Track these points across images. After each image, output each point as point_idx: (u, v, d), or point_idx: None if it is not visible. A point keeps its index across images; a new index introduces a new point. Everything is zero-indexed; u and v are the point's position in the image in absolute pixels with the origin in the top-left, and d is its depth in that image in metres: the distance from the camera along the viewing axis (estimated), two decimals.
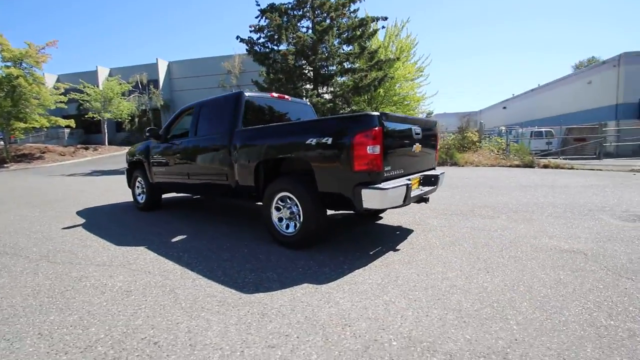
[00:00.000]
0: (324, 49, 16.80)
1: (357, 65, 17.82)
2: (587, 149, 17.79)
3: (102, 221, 4.91)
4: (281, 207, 3.46)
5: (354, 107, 18.40)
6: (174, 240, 3.86)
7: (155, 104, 29.55)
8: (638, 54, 18.81)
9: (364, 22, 16.72)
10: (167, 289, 2.52)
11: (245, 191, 3.89)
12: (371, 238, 3.75)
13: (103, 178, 12.06)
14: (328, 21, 16.76)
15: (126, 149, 25.88)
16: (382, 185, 2.79)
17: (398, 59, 18.43)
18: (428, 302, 2.20)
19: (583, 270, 2.68)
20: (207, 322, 2.03)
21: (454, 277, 2.60)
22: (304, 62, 17.18)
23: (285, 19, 17.22)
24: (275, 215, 3.50)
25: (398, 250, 3.29)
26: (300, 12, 17.81)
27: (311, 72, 17.47)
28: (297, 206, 3.26)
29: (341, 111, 17.39)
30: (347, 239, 3.67)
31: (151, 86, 29.45)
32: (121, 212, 5.51)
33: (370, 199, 2.75)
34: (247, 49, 18.00)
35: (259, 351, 1.74)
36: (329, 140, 2.91)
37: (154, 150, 5.26)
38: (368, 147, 2.73)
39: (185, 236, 3.98)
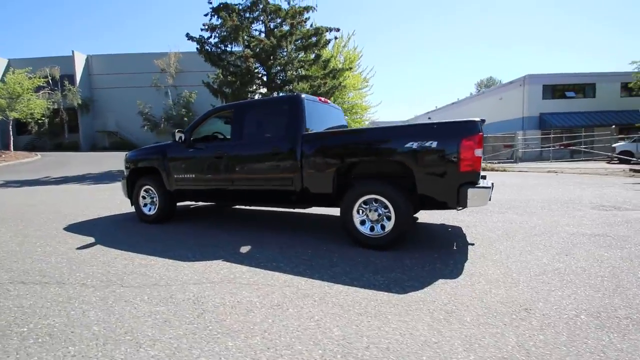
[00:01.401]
0: (283, 55, 16.77)
1: (312, 72, 18.11)
2: (502, 154, 21.18)
3: (118, 236, 4.20)
4: (363, 210, 3.51)
5: None
6: (242, 251, 3.57)
7: (72, 103, 25.60)
8: (538, 75, 23.34)
9: (318, 32, 17.16)
10: (316, 297, 2.40)
11: (313, 196, 3.81)
12: (433, 235, 4.03)
13: (37, 189, 10.01)
14: (286, 27, 16.82)
15: (36, 155, 21.68)
16: (483, 184, 3.09)
17: (350, 68, 19.39)
18: (546, 275, 2.55)
19: (624, 247, 3.36)
20: (406, 323, 2.04)
21: (543, 259, 3.02)
22: (259, 66, 16.90)
23: (237, 20, 16.67)
24: (357, 218, 3.53)
25: (473, 244, 3.63)
26: (254, 15, 17.51)
27: (265, 77, 17.26)
28: (388, 208, 3.36)
29: None
30: (410, 240, 3.88)
31: (66, 82, 25.44)
32: (126, 226, 4.76)
33: (474, 197, 3.02)
34: (197, 48, 16.96)
35: (488, 342, 1.84)
36: (434, 144, 3.10)
37: (176, 154, 4.71)
38: (475, 150, 3.00)
39: (249, 246, 3.70)
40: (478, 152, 3.03)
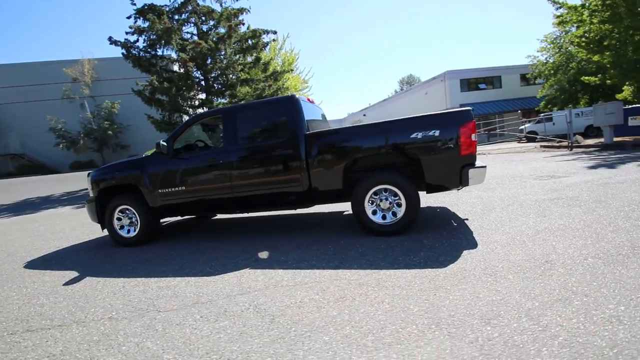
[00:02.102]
0: (222, 58, 16.19)
1: (252, 76, 17.75)
2: None
3: (104, 265, 3.73)
4: (374, 201, 3.71)
5: None
6: (262, 257, 3.48)
7: None
8: (456, 71, 26.37)
9: (256, 34, 16.94)
10: (371, 284, 2.51)
11: (321, 194, 3.89)
12: (427, 217, 4.41)
13: None
14: (222, 30, 16.29)
15: None
16: (480, 164, 3.52)
17: (292, 70, 19.53)
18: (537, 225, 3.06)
19: (580, 205, 4.12)
20: (466, 289, 2.27)
21: (528, 222, 3.57)
22: (196, 70, 16.05)
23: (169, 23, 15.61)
24: (369, 209, 3.71)
25: (467, 219, 4.09)
26: (183, 17, 16.58)
27: (203, 82, 16.47)
28: (397, 196, 3.61)
29: None
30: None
31: None
32: (104, 253, 4.21)
33: (474, 176, 3.44)
34: (123, 53, 15.48)
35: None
36: (436, 133, 3.44)
37: (160, 167, 4.33)
38: (472, 135, 3.41)
39: (266, 252, 3.62)
40: (473, 136, 3.44)
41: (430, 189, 3.68)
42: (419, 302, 2.18)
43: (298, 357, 1.75)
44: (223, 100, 16.35)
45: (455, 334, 1.81)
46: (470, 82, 27.15)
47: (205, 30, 16.97)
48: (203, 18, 16.90)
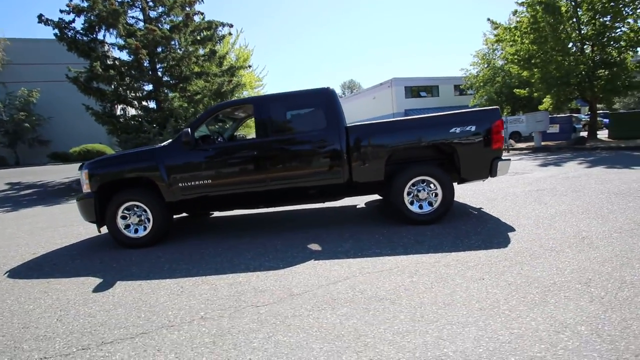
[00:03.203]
0: (176, 48, 15.05)
1: (206, 69, 16.79)
2: None
3: (130, 267, 3.26)
4: (411, 192, 3.91)
5: None
6: (315, 248, 3.41)
7: None
8: (401, 79, 28.36)
9: (212, 25, 16.13)
10: (455, 265, 2.67)
11: (360, 186, 3.95)
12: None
13: None
14: (176, 18, 15.17)
15: None
16: (506, 157, 3.95)
17: (250, 66, 18.95)
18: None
19: (564, 194, 4.86)
20: (537, 265, 2.57)
21: (536, 210, 4.12)
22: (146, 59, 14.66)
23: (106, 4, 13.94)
24: (407, 199, 3.90)
25: (481, 208, 4.53)
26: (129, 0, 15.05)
27: (150, 72, 15.09)
28: (435, 187, 3.86)
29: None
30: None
31: None
32: (111, 255, 3.66)
33: (502, 168, 3.86)
34: (56, 34, 13.47)
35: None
36: (473, 128, 3.77)
37: (181, 159, 3.92)
38: (501, 131, 3.82)
39: (316, 244, 3.55)
40: (502, 132, 3.85)
41: (462, 180, 4.00)
42: (515, 276, 2.41)
43: (456, 332, 1.82)
44: (169, 94, 15.11)
45: (571, 296, 2.06)
46: (413, 90, 29.53)
47: (153, 16, 15.62)
48: (151, 3, 15.51)
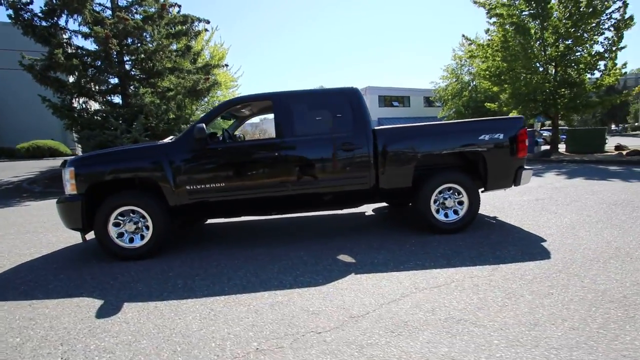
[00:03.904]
0: (149, 40, 14.06)
1: (179, 65, 15.86)
2: None
3: (139, 289, 2.74)
4: (436, 200, 3.77)
5: (188, 112, 16.60)
6: (349, 260, 3.12)
7: None
8: (375, 88, 28.94)
9: (188, 20, 15.35)
10: (504, 277, 2.53)
11: (385, 192, 3.74)
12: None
13: None
14: (152, 9, 14.22)
15: None
16: (529, 166, 3.95)
17: (226, 65, 18.21)
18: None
19: (569, 204, 5.01)
20: (594, 269, 2.51)
21: (552, 218, 4.18)
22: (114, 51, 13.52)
23: None
24: (434, 207, 3.75)
25: (496, 216, 4.51)
26: None
27: (118, 64, 13.94)
28: (460, 194, 3.75)
29: (171, 115, 15.11)
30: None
31: None
32: (108, 271, 3.09)
33: (526, 177, 3.84)
34: (10, 16, 12.04)
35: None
36: (501, 136, 3.71)
37: (190, 158, 3.44)
38: (526, 140, 3.80)
39: (349, 257, 3.26)
40: (526, 141, 3.85)
41: (487, 189, 3.93)
42: (581, 290, 2.31)
43: (568, 358, 1.64)
44: (139, 89, 14.02)
45: None
46: (386, 99, 30.31)
47: (122, 5, 14.54)
48: None
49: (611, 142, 15.65)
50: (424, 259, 3.05)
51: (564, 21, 13.33)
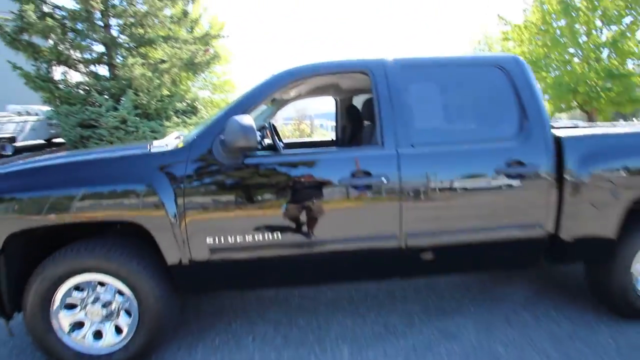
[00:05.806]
0: (139, 1, 11.80)
1: (174, 34, 13.49)
2: None
3: None
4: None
5: (184, 88, 14.53)
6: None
7: None
8: None
9: None
10: None
11: (567, 247, 2.10)
12: None
13: None
14: None
15: None
16: None
17: (228, 36, 16.02)
18: None
19: None
20: None
21: None
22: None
23: None
24: (636, 277, 2.15)
25: None
26: None
27: (104, 29, 11.66)
28: None
29: (165, 91, 13.09)
30: None
31: None
32: None
33: None
34: None
35: None
36: None
37: (216, 183, 1.77)
38: None
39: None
40: None
41: None
42: None
43: None
44: (128, 59, 11.82)
45: None
46: None
47: None
48: None
49: None
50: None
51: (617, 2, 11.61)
